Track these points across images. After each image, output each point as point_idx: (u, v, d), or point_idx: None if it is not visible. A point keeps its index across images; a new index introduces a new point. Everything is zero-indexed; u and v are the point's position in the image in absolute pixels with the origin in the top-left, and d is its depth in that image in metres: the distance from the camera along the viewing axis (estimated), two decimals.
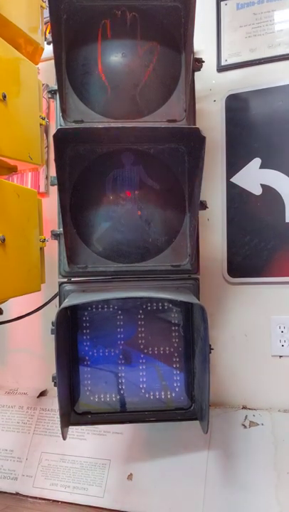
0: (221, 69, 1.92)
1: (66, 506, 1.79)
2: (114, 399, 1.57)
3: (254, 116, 1.87)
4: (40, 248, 1.78)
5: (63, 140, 1.38)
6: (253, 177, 1.85)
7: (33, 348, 2.23)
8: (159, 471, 1.77)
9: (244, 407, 1.85)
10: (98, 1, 1.48)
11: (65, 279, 1.54)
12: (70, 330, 1.56)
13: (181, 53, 1.52)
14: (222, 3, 1.92)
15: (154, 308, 1.59)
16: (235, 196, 1.88)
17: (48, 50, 1.58)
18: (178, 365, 1.57)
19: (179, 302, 1.56)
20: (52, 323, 1.40)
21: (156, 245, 1.53)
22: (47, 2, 1.39)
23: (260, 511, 1.61)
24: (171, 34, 1.51)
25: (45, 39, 1.79)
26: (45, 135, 2.01)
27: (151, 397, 1.56)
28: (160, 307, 1.59)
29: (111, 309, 1.59)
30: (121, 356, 1.58)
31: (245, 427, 1.79)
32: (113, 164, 1.53)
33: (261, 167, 1.84)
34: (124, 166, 1.53)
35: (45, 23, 1.81)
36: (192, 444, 1.78)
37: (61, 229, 1.49)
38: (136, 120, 1.49)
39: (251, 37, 1.89)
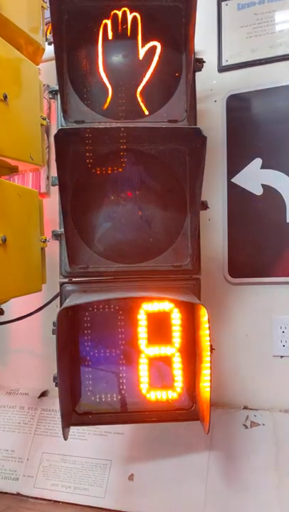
0: (222, 69, 1.93)
1: (67, 507, 1.79)
2: (115, 399, 1.57)
3: (255, 116, 1.87)
4: (41, 248, 1.78)
5: (64, 140, 1.38)
6: (254, 177, 1.85)
7: (34, 348, 2.23)
8: (160, 471, 1.77)
9: (245, 408, 1.85)
10: (99, 2, 1.48)
11: (66, 280, 1.54)
12: (71, 330, 1.56)
13: (182, 53, 1.52)
14: (223, 3, 1.92)
15: (155, 308, 1.59)
16: (236, 196, 1.88)
17: (49, 50, 1.58)
18: (179, 366, 1.56)
19: (180, 302, 1.56)
20: (53, 323, 1.40)
21: (157, 245, 1.53)
22: (48, 2, 1.39)
23: None
24: (172, 34, 1.51)
25: (46, 39, 1.79)
26: (46, 135, 2.01)
27: (153, 397, 1.56)
28: (161, 308, 1.59)
29: (112, 310, 1.58)
30: (122, 356, 1.58)
31: (246, 427, 1.79)
32: (114, 164, 1.52)
33: (262, 167, 1.84)
34: (125, 166, 1.53)
35: (46, 24, 1.81)
36: (193, 445, 1.78)
37: (62, 229, 1.49)
38: (137, 120, 1.50)
39: (252, 37, 1.89)
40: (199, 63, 1.55)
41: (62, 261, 1.52)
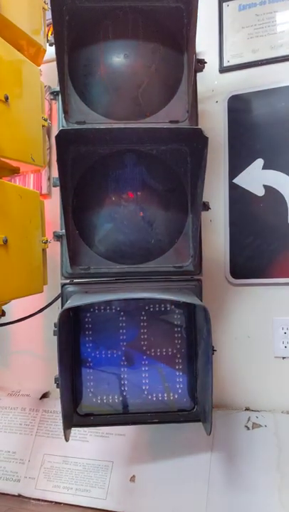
0: (223, 70, 1.93)
1: (69, 508, 1.79)
2: (116, 400, 1.57)
3: (256, 117, 1.87)
4: (43, 249, 1.78)
5: (65, 141, 1.38)
6: (256, 178, 1.85)
7: (35, 349, 2.23)
8: (162, 472, 1.76)
9: (247, 409, 1.85)
10: (100, 2, 1.48)
11: (68, 281, 1.53)
12: (73, 331, 1.56)
13: (184, 54, 1.52)
14: (224, 4, 1.92)
15: (157, 309, 1.58)
16: (238, 197, 1.88)
17: (50, 51, 1.58)
18: (180, 367, 1.56)
19: (182, 303, 1.56)
20: (54, 324, 1.40)
21: (159, 246, 1.53)
22: (49, 4, 1.39)
23: None
24: (173, 35, 1.51)
25: (48, 41, 1.79)
26: (47, 136, 2.01)
27: (154, 398, 1.56)
28: (163, 308, 1.59)
29: (113, 311, 1.58)
30: (123, 358, 1.57)
31: (248, 428, 1.78)
32: (115, 165, 1.52)
33: (264, 168, 1.84)
34: (127, 167, 1.53)
35: (48, 25, 1.81)
36: (195, 446, 1.77)
37: (63, 230, 1.49)
38: (138, 121, 1.50)
39: (253, 38, 1.89)
40: (200, 64, 1.56)
41: (64, 262, 1.52)
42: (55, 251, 1.62)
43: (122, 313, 1.58)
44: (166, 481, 1.74)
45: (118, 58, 1.51)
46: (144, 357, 1.56)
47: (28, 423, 2.09)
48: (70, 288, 1.52)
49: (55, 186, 1.48)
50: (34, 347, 2.23)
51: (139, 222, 1.53)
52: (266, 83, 1.85)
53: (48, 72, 1.90)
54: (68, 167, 1.49)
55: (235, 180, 1.88)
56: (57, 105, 1.55)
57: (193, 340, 1.56)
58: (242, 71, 1.91)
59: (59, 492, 1.84)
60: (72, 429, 1.54)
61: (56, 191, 1.53)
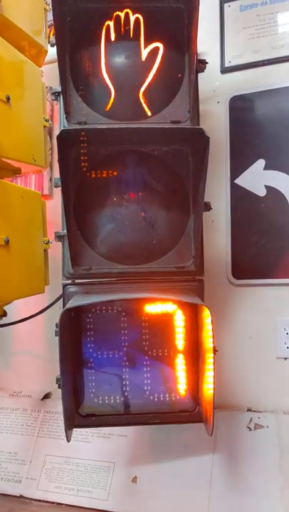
0: (225, 70, 1.93)
1: (70, 509, 1.79)
2: (118, 401, 1.57)
3: (258, 117, 1.87)
4: (44, 250, 1.78)
5: (67, 141, 1.38)
6: (257, 178, 1.85)
7: (37, 350, 2.23)
8: (164, 473, 1.76)
9: (249, 410, 1.84)
10: (102, 3, 1.48)
11: (69, 281, 1.54)
12: (74, 332, 1.56)
13: (185, 55, 1.52)
14: (225, 5, 1.93)
15: (158, 310, 1.58)
16: (240, 198, 1.88)
17: (52, 52, 1.58)
18: (182, 368, 1.56)
19: (183, 304, 1.56)
20: (56, 324, 1.40)
21: (160, 247, 1.53)
22: (51, 5, 1.39)
23: None
24: (174, 35, 1.51)
25: (49, 42, 1.79)
26: (48, 137, 2.01)
27: (156, 399, 1.56)
28: (164, 309, 1.58)
29: (115, 311, 1.58)
30: (125, 358, 1.57)
31: (250, 429, 1.78)
32: (117, 166, 1.53)
33: (265, 168, 1.84)
34: (128, 168, 1.53)
35: (49, 27, 1.81)
36: (197, 447, 1.77)
37: (65, 230, 1.49)
38: (139, 121, 1.50)
39: (255, 38, 1.89)
40: (202, 64, 1.56)
41: (65, 262, 1.52)
42: (56, 251, 1.62)
43: (123, 313, 1.58)
44: (167, 482, 1.74)
45: (119, 59, 1.51)
46: (146, 357, 1.55)
47: (29, 424, 2.09)
48: (72, 288, 1.53)
49: (56, 187, 1.48)
50: (36, 348, 2.23)
51: (140, 223, 1.53)
52: (268, 83, 1.85)
53: (49, 73, 1.91)
54: (70, 167, 1.49)
55: (236, 181, 1.88)
56: (58, 106, 1.55)
57: (194, 341, 1.56)
58: (243, 71, 1.91)
59: (60, 493, 1.84)
60: (74, 429, 1.54)
61: (58, 192, 1.53)
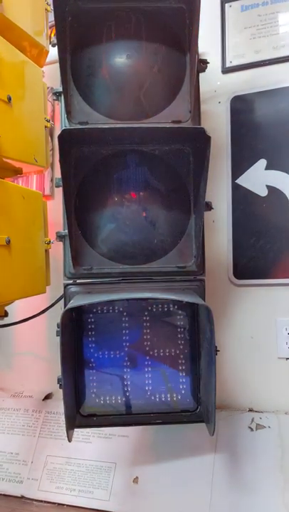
0: (226, 70, 1.93)
1: (71, 510, 1.78)
2: (119, 401, 1.56)
3: (259, 117, 1.87)
4: (46, 250, 1.78)
5: (68, 141, 1.38)
6: (259, 178, 1.85)
7: (38, 350, 2.23)
8: (165, 474, 1.76)
9: (251, 410, 1.84)
10: (103, 3, 1.48)
11: (70, 281, 1.53)
12: (76, 332, 1.56)
13: (186, 54, 1.52)
14: (226, 5, 1.93)
15: (160, 310, 1.58)
16: (241, 198, 1.87)
17: (53, 53, 1.58)
18: (183, 368, 1.56)
19: (185, 304, 1.56)
20: (57, 325, 1.40)
21: (162, 246, 1.53)
22: (52, 5, 1.39)
23: None
24: (175, 35, 1.51)
25: (50, 42, 1.79)
26: (50, 138, 2.01)
27: (157, 399, 1.55)
28: (165, 309, 1.58)
29: (116, 312, 1.58)
30: (126, 359, 1.57)
31: (251, 429, 1.78)
32: (118, 165, 1.52)
33: (267, 168, 1.83)
34: (129, 168, 1.53)
35: (50, 27, 1.82)
36: (198, 447, 1.77)
37: (66, 230, 1.49)
38: (141, 121, 1.49)
39: (256, 38, 1.89)
40: (203, 64, 1.56)
41: (67, 262, 1.52)
42: (58, 252, 1.62)
43: (124, 314, 1.58)
44: (169, 483, 1.74)
45: (120, 59, 1.51)
46: (147, 358, 1.55)
47: (31, 424, 2.09)
48: (73, 288, 1.52)
49: (57, 187, 1.48)
50: (37, 348, 2.23)
51: (141, 223, 1.53)
52: (269, 83, 1.85)
53: (50, 74, 1.91)
54: (71, 167, 1.49)
55: (238, 181, 1.88)
56: (60, 106, 1.55)
57: (196, 341, 1.56)
58: (244, 71, 1.91)
59: (62, 493, 1.84)
60: (75, 430, 1.53)
61: (59, 192, 1.53)
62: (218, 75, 1.93)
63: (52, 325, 1.49)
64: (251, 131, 1.87)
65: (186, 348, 1.56)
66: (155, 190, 1.53)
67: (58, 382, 1.42)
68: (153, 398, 1.55)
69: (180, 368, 1.56)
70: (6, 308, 1.77)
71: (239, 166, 1.88)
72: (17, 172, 1.68)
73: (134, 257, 1.52)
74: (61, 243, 1.54)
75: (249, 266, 1.87)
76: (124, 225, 1.53)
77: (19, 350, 2.29)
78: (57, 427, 2.03)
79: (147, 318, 1.57)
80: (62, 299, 1.56)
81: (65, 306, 1.49)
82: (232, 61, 1.92)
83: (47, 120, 1.81)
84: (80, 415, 1.55)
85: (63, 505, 1.81)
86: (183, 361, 1.56)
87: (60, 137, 1.32)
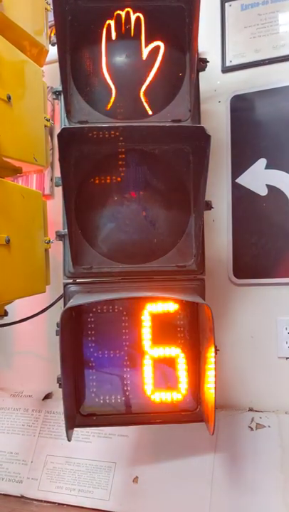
0: (226, 70, 1.93)
1: (71, 509, 1.78)
2: (119, 401, 1.56)
3: (259, 116, 1.86)
4: (45, 249, 1.77)
5: (68, 140, 1.37)
6: (259, 178, 1.84)
7: (38, 350, 2.23)
8: (165, 473, 1.76)
9: (251, 409, 1.84)
10: (102, 2, 1.48)
11: (70, 280, 1.53)
12: (75, 332, 1.56)
13: (186, 53, 1.52)
14: (226, 4, 1.93)
15: (160, 309, 1.58)
16: (241, 197, 1.87)
17: (53, 52, 1.58)
18: (183, 367, 1.55)
19: (185, 303, 1.55)
20: (57, 324, 1.40)
21: (162, 246, 1.53)
22: (52, 5, 1.39)
23: None
24: (175, 34, 1.51)
25: (50, 41, 1.79)
26: (49, 137, 2.01)
27: (157, 399, 1.55)
28: (165, 309, 1.58)
29: (116, 311, 1.58)
30: (126, 358, 1.57)
31: (251, 429, 1.78)
32: (118, 165, 1.52)
33: (267, 167, 1.83)
34: (129, 167, 1.52)
35: (50, 27, 1.81)
36: (198, 447, 1.76)
37: (66, 230, 1.49)
38: (140, 120, 1.49)
39: (256, 38, 1.89)
40: (203, 63, 1.55)
41: (66, 262, 1.52)
42: (57, 251, 1.61)
43: (124, 313, 1.57)
44: (169, 482, 1.74)
45: (120, 58, 1.51)
46: (147, 357, 1.55)
47: (30, 424, 2.08)
48: (73, 288, 1.52)
49: (57, 186, 1.48)
50: (37, 347, 2.23)
51: (141, 222, 1.53)
52: (269, 83, 1.85)
53: (50, 73, 1.91)
54: (71, 166, 1.49)
55: (238, 180, 1.88)
56: (59, 105, 1.55)
57: (196, 340, 1.56)
58: (244, 71, 1.91)
59: (62, 493, 1.84)
60: (75, 430, 1.53)
61: (59, 192, 1.53)
62: (218, 74, 1.93)
63: (52, 324, 1.49)
64: (251, 130, 1.87)
65: (186, 347, 1.56)
66: (155, 189, 1.53)
67: (58, 382, 1.42)
68: (153, 398, 1.55)
69: (180, 367, 1.56)
70: (6, 307, 1.77)
71: (239, 165, 1.88)
72: (17, 171, 1.68)
73: (134, 256, 1.52)
74: (61, 242, 1.54)
75: (249, 265, 1.87)
76: (124, 224, 1.52)
77: (19, 350, 2.29)
78: (57, 427, 2.03)
79: (147, 317, 1.57)
80: (62, 299, 1.56)
81: (64, 306, 1.49)
82: (232, 60, 1.92)
83: (47, 119, 1.80)
84: (79, 415, 1.55)
85: (63, 504, 1.81)
86: (183, 360, 1.56)
87: (59, 136, 1.31)
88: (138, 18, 1.49)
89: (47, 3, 1.82)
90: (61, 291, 1.55)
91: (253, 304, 1.87)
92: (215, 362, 1.35)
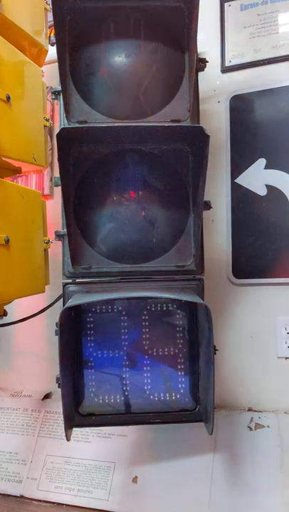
0: (225, 70, 1.93)
1: (70, 509, 1.78)
2: (118, 401, 1.56)
3: (258, 116, 1.86)
4: (45, 249, 1.78)
5: (67, 140, 1.38)
6: (258, 178, 1.84)
7: (37, 350, 2.23)
8: (164, 473, 1.76)
9: (250, 409, 1.84)
10: (102, 2, 1.48)
11: (69, 280, 1.53)
12: (75, 331, 1.56)
13: (185, 53, 1.51)
14: (226, 4, 1.93)
15: (159, 309, 1.58)
16: (240, 197, 1.87)
17: (52, 53, 1.58)
18: (182, 367, 1.56)
19: (184, 303, 1.55)
20: (56, 324, 1.40)
21: (161, 246, 1.53)
22: (51, 5, 1.39)
23: None
24: (174, 34, 1.51)
25: (49, 41, 1.79)
26: (49, 137, 2.01)
27: (156, 398, 1.55)
28: (164, 309, 1.58)
29: (115, 311, 1.58)
30: (125, 358, 1.57)
31: (251, 429, 1.78)
32: (117, 165, 1.52)
33: (266, 167, 1.83)
34: (128, 167, 1.52)
35: (50, 27, 1.82)
36: (197, 447, 1.76)
37: (65, 229, 1.49)
38: (139, 120, 1.49)
39: (255, 38, 1.89)
40: (202, 63, 1.56)
41: (65, 261, 1.52)
42: (57, 251, 1.62)
43: (123, 313, 1.58)
44: (168, 482, 1.74)
45: (119, 58, 1.51)
46: (146, 357, 1.55)
47: (30, 424, 2.08)
48: (72, 287, 1.52)
49: (56, 185, 1.48)
50: (36, 347, 2.23)
51: (140, 222, 1.53)
52: (268, 83, 1.85)
53: (50, 73, 1.91)
54: (70, 166, 1.49)
55: (237, 180, 1.88)
56: (59, 105, 1.55)
57: (195, 340, 1.56)
58: (244, 71, 1.91)
59: (61, 493, 1.84)
60: (75, 430, 1.54)
61: (58, 192, 1.53)
62: (217, 74, 1.93)
63: (51, 324, 1.50)
64: (250, 130, 1.87)
65: (185, 347, 1.56)
66: (154, 189, 1.53)
67: (57, 382, 1.42)
68: (152, 397, 1.55)
69: (179, 367, 1.56)
70: (5, 307, 1.77)
71: (238, 165, 1.88)
72: (16, 171, 1.68)
73: (133, 256, 1.52)
74: (60, 242, 1.54)
75: (248, 265, 1.87)
76: (123, 224, 1.52)
77: (18, 350, 2.28)
78: (56, 427, 2.03)
79: (146, 317, 1.57)
80: (62, 299, 1.56)
81: (64, 306, 1.49)
82: (231, 60, 1.92)
83: (46, 119, 1.81)
84: (78, 414, 1.55)
85: (62, 504, 1.81)
86: (182, 360, 1.56)
87: (58, 136, 1.31)
88: (137, 18, 1.49)
89: (46, 3, 1.82)
90: (60, 291, 1.55)
91: (252, 304, 1.87)
92: (214, 362, 1.35)
